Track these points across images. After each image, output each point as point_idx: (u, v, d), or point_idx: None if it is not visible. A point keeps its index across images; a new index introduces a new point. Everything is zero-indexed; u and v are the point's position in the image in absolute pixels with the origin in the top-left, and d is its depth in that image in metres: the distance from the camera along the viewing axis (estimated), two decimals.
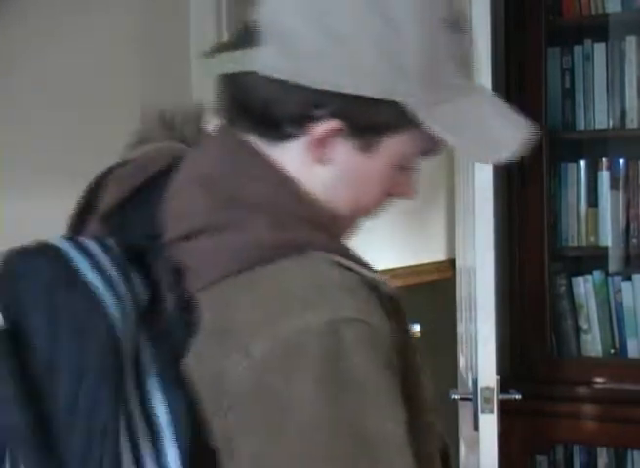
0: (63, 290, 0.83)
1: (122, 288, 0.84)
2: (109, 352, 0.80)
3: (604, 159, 2.72)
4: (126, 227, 0.92)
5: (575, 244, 2.75)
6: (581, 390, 2.63)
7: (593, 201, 2.73)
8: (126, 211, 0.93)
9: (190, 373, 0.84)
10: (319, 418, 0.80)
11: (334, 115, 0.88)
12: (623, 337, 2.70)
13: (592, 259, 2.77)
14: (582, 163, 2.75)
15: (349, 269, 0.86)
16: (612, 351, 2.72)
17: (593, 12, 2.71)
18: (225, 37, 2.80)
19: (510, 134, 0.93)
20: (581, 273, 2.75)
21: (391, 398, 0.83)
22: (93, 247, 0.87)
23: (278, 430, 0.80)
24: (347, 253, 0.89)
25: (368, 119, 0.89)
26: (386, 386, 0.83)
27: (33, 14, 2.34)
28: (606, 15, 2.70)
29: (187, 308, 0.84)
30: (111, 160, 2.49)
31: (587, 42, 2.72)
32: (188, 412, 0.82)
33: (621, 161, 2.71)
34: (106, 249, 0.87)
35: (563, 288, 2.75)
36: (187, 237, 0.87)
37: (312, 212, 0.91)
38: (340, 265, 0.86)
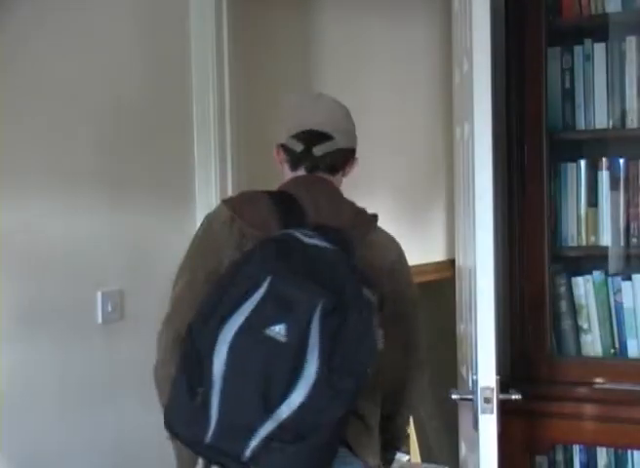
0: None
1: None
2: None
3: (604, 159, 2.72)
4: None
5: (575, 244, 2.75)
6: (581, 390, 2.63)
7: (593, 201, 2.73)
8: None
9: None
10: None
11: None
12: (623, 337, 2.70)
13: (592, 259, 2.77)
14: (582, 163, 2.74)
15: None
16: (612, 351, 2.72)
17: (593, 12, 2.71)
18: (225, 37, 2.79)
19: None
20: (581, 273, 2.75)
21: None
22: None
23: None
24: None
25: None
26: None
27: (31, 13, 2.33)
28: (606, 15, 2.70)
29: None
30: (110, 159, 2.48)
31: (587, 42, 2.72)
32: None
33: (621, 161, 2.70)
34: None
35: (563, 288, 2.75)
36: None
37: None
38: None
